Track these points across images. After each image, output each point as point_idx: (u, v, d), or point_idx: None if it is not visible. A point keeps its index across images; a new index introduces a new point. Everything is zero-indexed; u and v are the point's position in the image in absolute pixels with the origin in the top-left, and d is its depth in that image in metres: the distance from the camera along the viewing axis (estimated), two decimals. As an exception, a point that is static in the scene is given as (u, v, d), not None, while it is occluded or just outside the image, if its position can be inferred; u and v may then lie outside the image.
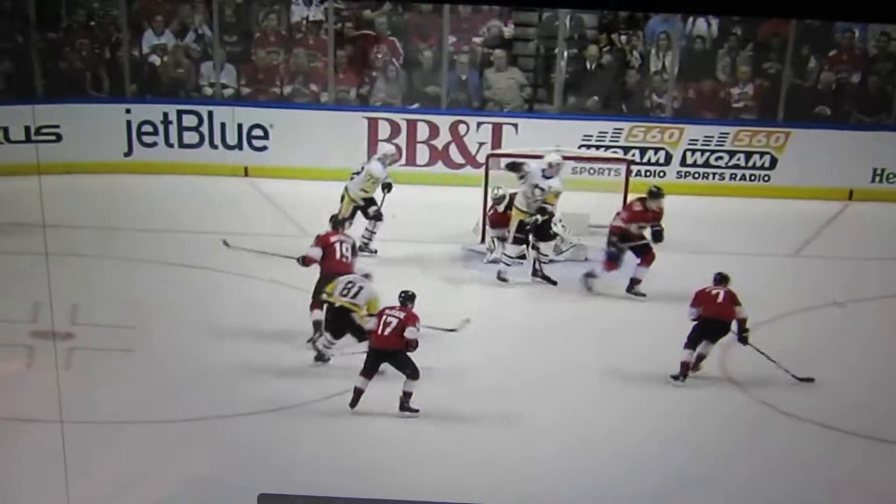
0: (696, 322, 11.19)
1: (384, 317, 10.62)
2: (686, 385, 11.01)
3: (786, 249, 13.60)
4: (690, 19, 15.89)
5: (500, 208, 13.22)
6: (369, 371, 10.48)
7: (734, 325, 11.02)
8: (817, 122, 15.63)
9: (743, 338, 11.00)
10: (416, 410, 10.43)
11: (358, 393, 10.51)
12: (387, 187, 13.28)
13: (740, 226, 14.15)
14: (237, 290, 12.69)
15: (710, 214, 14.61)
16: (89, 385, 10.59)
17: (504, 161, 13.22)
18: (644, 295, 12.60)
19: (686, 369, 11.27)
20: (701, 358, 11.39)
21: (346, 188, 13.78)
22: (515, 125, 15.44)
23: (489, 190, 13.50)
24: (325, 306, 11.43)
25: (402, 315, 10.46)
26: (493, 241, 13.56)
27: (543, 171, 12.83)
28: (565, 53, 15.82)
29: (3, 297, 11.93)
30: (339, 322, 11.21)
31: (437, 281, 12.90)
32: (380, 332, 10.49)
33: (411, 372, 10.38)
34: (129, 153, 15.72)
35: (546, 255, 12.96)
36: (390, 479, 9.36)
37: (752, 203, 14.95)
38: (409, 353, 10.43)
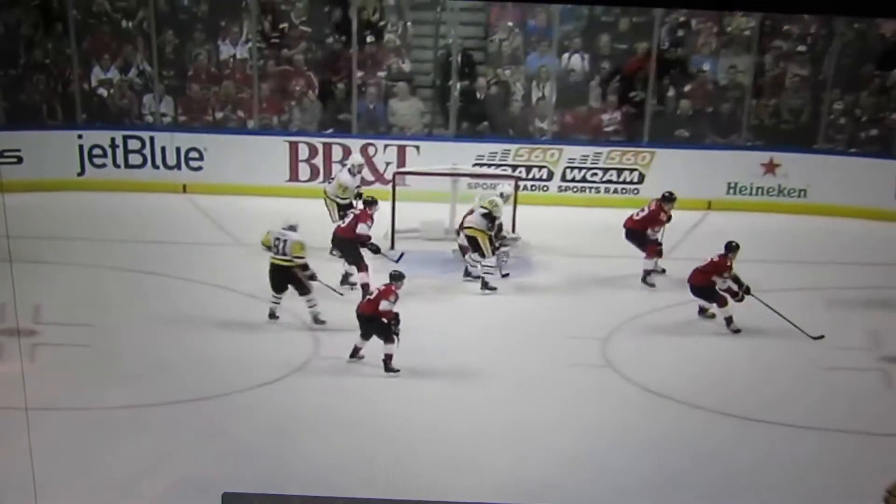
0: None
1: (372, 291, 11.72)
2: (576, 373, 11.58)
3: (655, 253, 13.95)
4: (566, 55, 16.57)
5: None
6: (363, 334, 11.53)
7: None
8: (678, 143, 16.45)
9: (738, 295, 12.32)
10: (398, 370, 11.41)
11: (356, 349, 11.58)
12: (359, 196, 13.80)
13: (614, 233, 14.41)
14: (179, 289, 13.32)
15: (589, 223, 15.38)
16: (51, 375, 10.93)
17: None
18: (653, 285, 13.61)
19: (703, 311, 12.67)
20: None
21: (324, 192, 14.37)
22: (417, 147, 16.28)
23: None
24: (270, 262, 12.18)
25: (381, 288, 11.50)
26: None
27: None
28: (458, 85, 16.52)
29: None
30: (279, 277, 12.21)
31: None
32: (364, 300, 11.65)
33: (385, 338, 11.37)
34: (81, 173, 16.40)
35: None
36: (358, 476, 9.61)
37: (624, 213, 14.95)
38: (385, 322, 11.28)
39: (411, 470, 9.86)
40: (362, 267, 12.95)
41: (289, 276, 12.17)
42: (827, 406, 11.11)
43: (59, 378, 11.00)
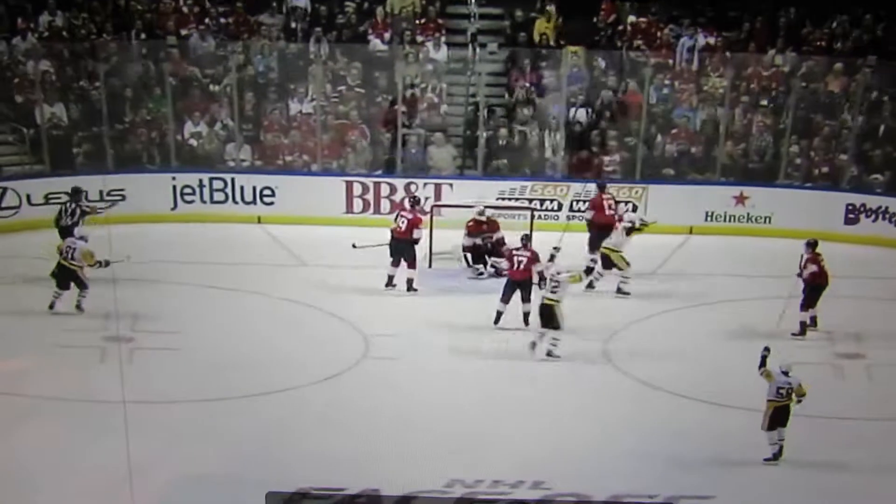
0: (806, 287, 13.01)
1: (514, 258, 12.86)
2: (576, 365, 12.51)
3: (648, 268, 15.65)
4: (572, 109, 18.26)
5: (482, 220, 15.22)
6: (506, 297, 12.74)
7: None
8: (664, 180, 18.13)
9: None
10: (529, 324, 12.87)
11: (499, 314, 12.91)
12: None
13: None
14: (254, 303, 14.40)
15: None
16: (144, 374, 11.90)
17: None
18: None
19: (804, 328, 13.09)
20: (814, 320, 13.20)
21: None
22: (451, 184, 17.85)
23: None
24: (57, 263, 12.86)
25: (529, 254, 12.79)
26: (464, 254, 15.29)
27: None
28: (484, 134, 18.24)
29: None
30: (64, 277, 13.00)
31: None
32: (514, 268, 12.87)
33: (528, 298, 12.88)
34: (174, 208, 18.00)
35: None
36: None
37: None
38: (533, 284, 12.51)
39: (442, 443, 10.67)
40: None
41: (73, 276, 13.12)
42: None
43: (151, 377, 11.90)
